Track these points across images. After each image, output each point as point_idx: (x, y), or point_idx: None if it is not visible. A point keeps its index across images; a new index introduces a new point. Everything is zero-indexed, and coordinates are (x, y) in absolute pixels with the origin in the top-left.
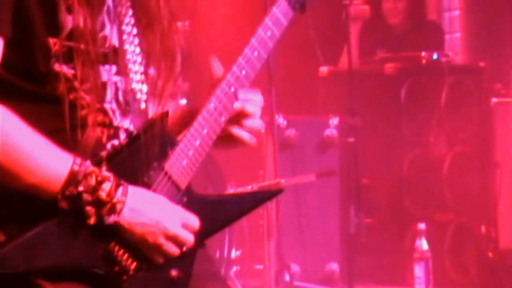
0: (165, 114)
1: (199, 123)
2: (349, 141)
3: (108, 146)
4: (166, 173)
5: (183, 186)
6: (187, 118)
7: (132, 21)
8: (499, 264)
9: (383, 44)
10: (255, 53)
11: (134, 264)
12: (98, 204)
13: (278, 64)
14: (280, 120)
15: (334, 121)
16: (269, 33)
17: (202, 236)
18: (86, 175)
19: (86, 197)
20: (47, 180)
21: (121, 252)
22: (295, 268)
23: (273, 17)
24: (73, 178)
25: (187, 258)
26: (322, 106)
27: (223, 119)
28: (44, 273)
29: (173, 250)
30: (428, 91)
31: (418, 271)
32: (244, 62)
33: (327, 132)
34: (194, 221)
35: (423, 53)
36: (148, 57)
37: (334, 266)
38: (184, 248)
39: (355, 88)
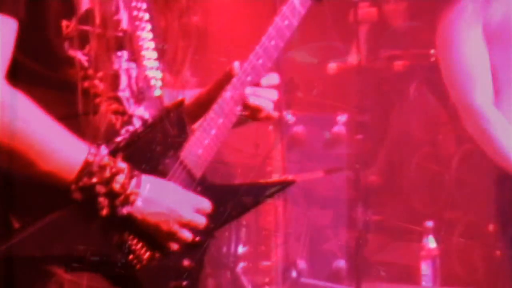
0: (181, 102)
1: (215, 112)
2: (358, 138)
3: (123, 132)
4: (181, 162)
5: (198, 175)
6: (198, 106)
7: (144, 6)
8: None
9: (388, 46)
10: (272, 42)
11: (148, 253)
12: (112, 195)
13: (287, 59)
14: (289, 117)
15: (342, 118)
16: (286, 22)
17: (214, 226)
18: (101, 167)
19: (100, 188)
20: (61, 168)
21: (135, 241)
22: (302, 264)
23: (290, 6)
24: (87, 169)
25: (199, 248)
26: (331, 103)
27: (239, 108)
28: (58, 261)
29: (187, 236)
30: (437, 88)
31: (426, 269)
32: (262, 51)
33: (336, 129)
34: (207, 204)
35: (432, 51)
36: (164, 35)
37: (341, 263)
38: (197, 238)
39: (364, 85)
